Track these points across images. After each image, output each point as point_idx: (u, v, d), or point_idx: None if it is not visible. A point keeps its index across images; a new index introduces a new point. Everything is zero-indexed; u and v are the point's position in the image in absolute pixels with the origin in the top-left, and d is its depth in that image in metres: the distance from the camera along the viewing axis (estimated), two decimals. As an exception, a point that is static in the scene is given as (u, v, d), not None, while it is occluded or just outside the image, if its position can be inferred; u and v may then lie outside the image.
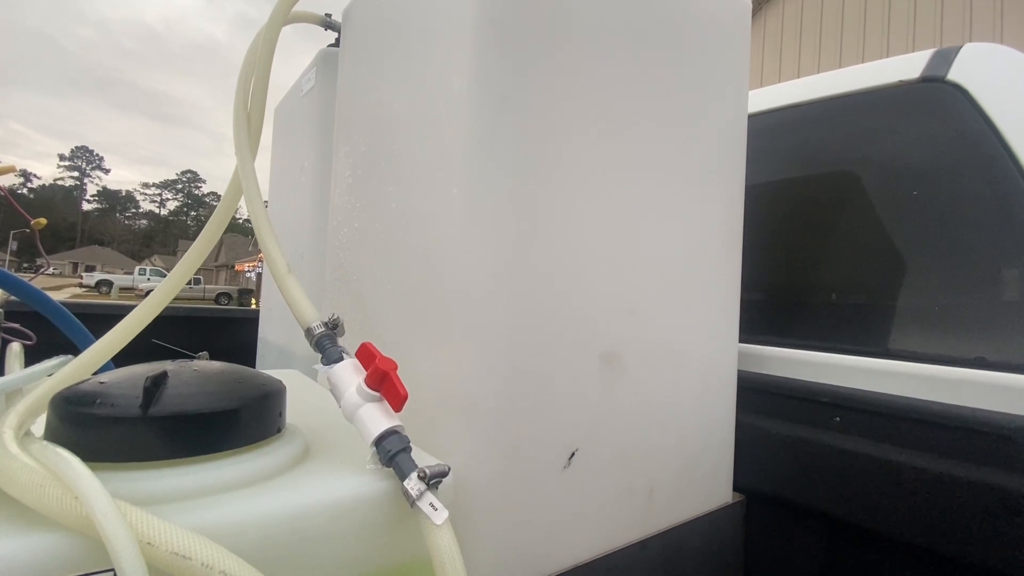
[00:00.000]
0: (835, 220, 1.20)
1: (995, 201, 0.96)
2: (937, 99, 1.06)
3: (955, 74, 1.04)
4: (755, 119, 1.20)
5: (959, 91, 1.02)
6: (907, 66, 1.12)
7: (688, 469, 0.93)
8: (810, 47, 7.03)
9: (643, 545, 0.83)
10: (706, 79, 0.96)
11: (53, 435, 0.49)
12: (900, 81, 1.12)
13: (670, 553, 0.88)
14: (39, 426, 0.54)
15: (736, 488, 1.04)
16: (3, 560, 0.37)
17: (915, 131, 1.09)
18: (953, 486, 0.82)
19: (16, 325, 1.05)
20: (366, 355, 0.59)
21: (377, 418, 0.55)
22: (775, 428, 1.05)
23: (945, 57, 1.07)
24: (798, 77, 1.37)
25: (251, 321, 2.10)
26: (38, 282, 1.14)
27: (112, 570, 0.39)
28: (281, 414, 0.61)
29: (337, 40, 1.28)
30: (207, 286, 28.97)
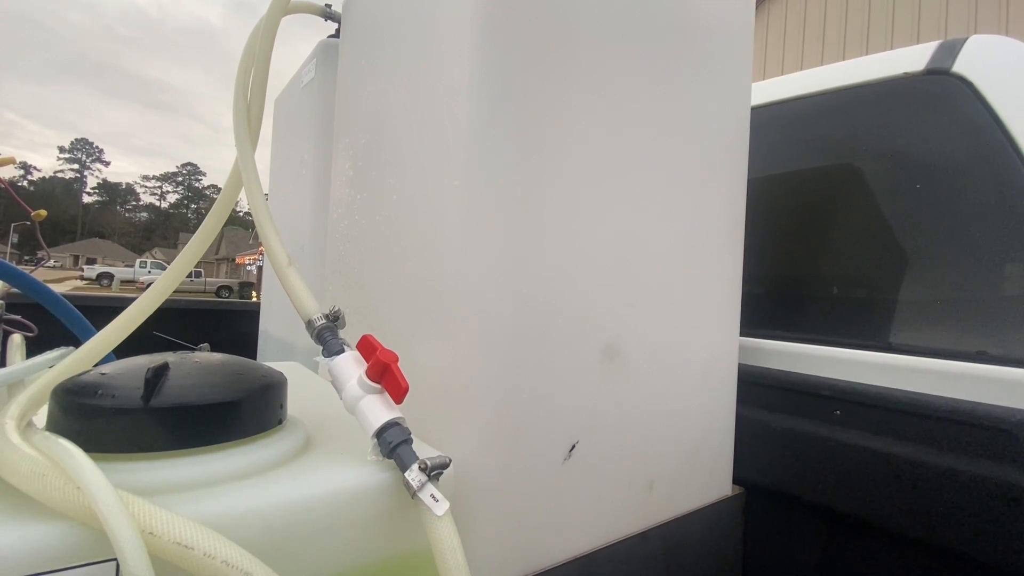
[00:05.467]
0: (837, 213, 1.19)
1: (998, 194, 0.95)
2: (942, 92, 1.05)
3: (960, 66, 1.03)
4: (758, 111, 1.20)
5: (964, 84, 1.02)
6: (912, 58, 1.11)
7: (688, 462, 0.93)
8: (813, 39, 6.98)
9: (643, 537, 0.84)
10: (709, 72, 0.95)
11: (55, 426, 0.50)
12: (905, 73, 1.11)
13: (670, 545, 0.88)
14: (41, 417, 0.54)
15: (736, 481, 1.05)
16: (6, 549, 0.37)
17: (919, 124, 1.08)
18: (953, 480, 0.82)
19: (18, 317, 1.05)
20: (367, 347, 0.59)
21: (378, 410, 0.55)
22: (775, 421, 1.06)
23: (950, 49, 1.06)
24: (801, 70, 1.36)
25: (252, 314, 2.11)
26: (39, 274, 1.14)
27: (114, 559, 0.40)
28: (282, 406, 0.61)
29: (337, 31, 1.27)
30: (208, 279, 29.01)
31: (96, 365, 0.63)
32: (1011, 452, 0.77)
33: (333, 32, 1.31)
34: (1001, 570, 0.78)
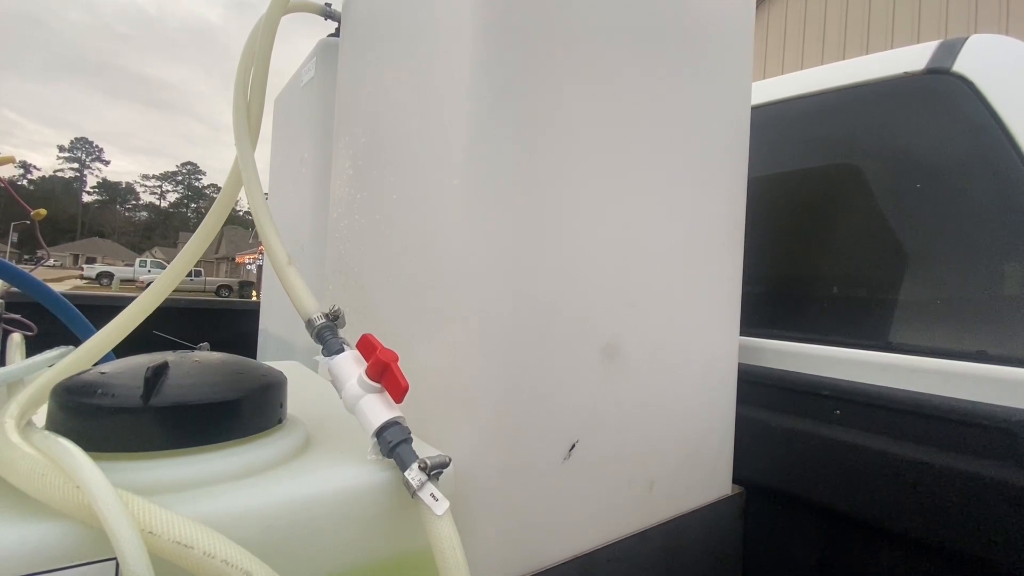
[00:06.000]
0: (837, 213, 1.19)
1: (999, 194, 0.95)
2: (942, 91, 1.05)
3: (960, 66, 1.03)
4: (758, 111, 1.20)
5: (964, 83, 1.02)
6: (912, 58, 1.11)
7: (688, 461, 0.93)
8: (814, 38, 6.98)
9: (643, 536, 0.84)
10: (709, 72, 0.95)
11: (55, 425, 0.50)
12: (905, 73, 1.11)
13: (670, 544, 0.88)
14: (40, 416, 0.54)
15: (736, 480, 1.05)
16: (5, 548, 0.37)
17: (919, 123, 1.08)
18: (953, 479, 0.82)
19: (17, 316, 1.05)
20: (367, 346, 0.59)
21: (378, 409, 0.55)
22: (775, 421, 1.06)
23: (950, 49, 1.06)
24: (802, 69, 1.36)
25: (252, 313, 2.11)
26: (39, 273, 1.14)
27: (114, 559, 0.39)
28: (282, 405, 0.61)
29: (337, 30, 1.27)
30: (208, 278, 29.02)
31: (96, 364, 0.63)
32: (1011, 452, 0.77)
33: (333, 31, 1.31)
34: (1001, 570, 0.78)
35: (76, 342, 0.72)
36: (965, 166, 1.00)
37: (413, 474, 0.52)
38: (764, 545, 1.07)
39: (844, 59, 1.27)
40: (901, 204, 1.09)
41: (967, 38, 1.06)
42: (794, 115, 1.30)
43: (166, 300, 0.76)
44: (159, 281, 0.75)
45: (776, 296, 1.26)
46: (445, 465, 0.54)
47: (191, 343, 0.75)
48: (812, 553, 1.03)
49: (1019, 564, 0.76)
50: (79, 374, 0.54)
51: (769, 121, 1.29)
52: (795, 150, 1.29)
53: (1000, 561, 0.78)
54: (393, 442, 0.54)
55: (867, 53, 1.23)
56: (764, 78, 1.40)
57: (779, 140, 1.30)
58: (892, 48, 1.18)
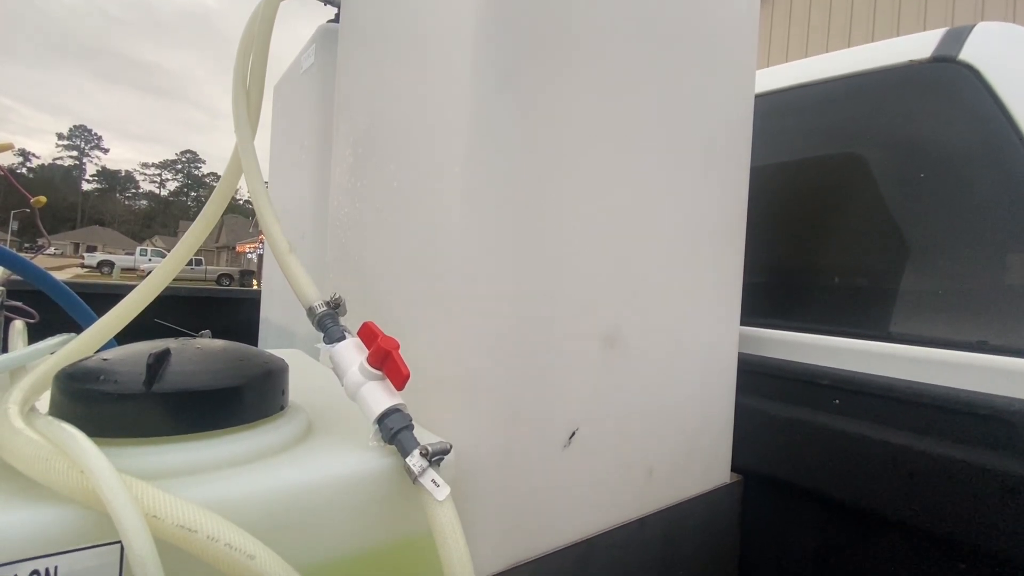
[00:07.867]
0: (840, 202, 1.19)
1: (1003, 183, 0.94)
2: (948, 79, 1.04)
3: (967, 54, 1.02)
4: (761, 99, 1.19)
5: (971, 71, 1.01)
6: (918, 45, 1.10)
7: (687, 449, 0.94)
8: (819, 27, 6.90)
9: (642, 523, 0.85)
10: (713, 63, 0.94)
11: (58, 411, 0.50)
12: (911, 61, 1.10)
13: (668, 531, 0.89)
14: (43, 403, 0.54)
15: (734, 468, 1.05)
16: (11, 531, 0.38)
17: (925, 112, 1.07)
18: (952, 468, 0.82)
19: (19, 303, 1.05)
20: (368, 334, 0.59)
21: (379, 396, 0.56)
22: (774, 410, 1.06)
23: (957, 37, 1.05)
24: (806, 57, 1.35)
25: (252, 301, 2.11)
26: (39, 262, 1.14)
27: (119, 542, 0.40)
28: (284, 392, 0.61)
29: (337, 15, 1.25)
30: (208, 267, 29.01)
31: (98, 351, 0.63)
32: (1010, 441, 0.78)
33: (333, 17, 1.29)
34: (998, 559, 0.79)
35: (78, 330, 0.72)
36: (970, 155, 1.00)
37: (414, 460, 0.52)
38: (762, 532, 1.08)
39: (849, 47, 1.26)
40: (904, 193, 1.08)
41: (974, 26, 1.05)
42: (798, 103, 1.29)
43: (167, 289, 0.76)
44: (160, 269, 0.75)
45: (777, 286, 1.26)
46: (446, 451, 0.55)
47: (192, 331, 0.75)
48: (809, 540, 1.04)
49: (1015, 553, 0.76)
50: (81, 361, 0.54)
51: (772, 109, 1.28)
52: (798, 139, 1.28)
53: (996, 549, 0.78)
54: (394, 429, 0.54)
55: (872, 41, 1.22)
56: (768, 65, 1.38)
57: (782, 129, 1.29)
58: (898, 36, 1.16)
